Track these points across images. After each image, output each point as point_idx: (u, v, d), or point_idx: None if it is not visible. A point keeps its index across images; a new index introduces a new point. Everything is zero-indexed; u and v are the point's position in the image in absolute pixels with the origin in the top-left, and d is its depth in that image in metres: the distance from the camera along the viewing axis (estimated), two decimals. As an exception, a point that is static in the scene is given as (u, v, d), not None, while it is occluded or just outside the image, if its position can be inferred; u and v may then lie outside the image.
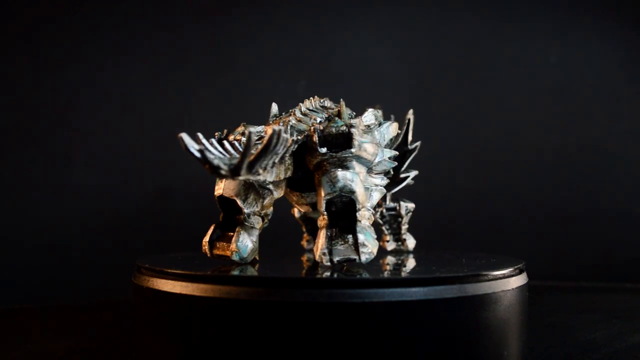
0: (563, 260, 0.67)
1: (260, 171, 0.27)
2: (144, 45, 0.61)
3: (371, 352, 0.26)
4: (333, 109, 0.34)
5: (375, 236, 0.30)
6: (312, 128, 0.30)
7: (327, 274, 0.29)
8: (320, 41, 0.66)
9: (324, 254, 0.29)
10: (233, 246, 0.31)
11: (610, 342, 0.38)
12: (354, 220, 0.29)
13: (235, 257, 0.31)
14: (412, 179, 0.40)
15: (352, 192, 0.29)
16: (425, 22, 0.68)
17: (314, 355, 0.26)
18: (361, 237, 0.29)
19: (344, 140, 0.30)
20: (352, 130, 0.30)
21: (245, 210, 0.31)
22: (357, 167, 0.30)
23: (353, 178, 0.29)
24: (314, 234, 0.43)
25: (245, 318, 0.26)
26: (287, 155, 0.30)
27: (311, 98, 0.34)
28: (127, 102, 0.60)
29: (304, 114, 0.32)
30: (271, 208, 0.32)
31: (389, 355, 0.26)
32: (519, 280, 0.31)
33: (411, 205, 0.42)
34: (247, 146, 0.24)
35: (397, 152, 0.33)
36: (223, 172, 0.24)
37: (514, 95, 0.68)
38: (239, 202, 0.30)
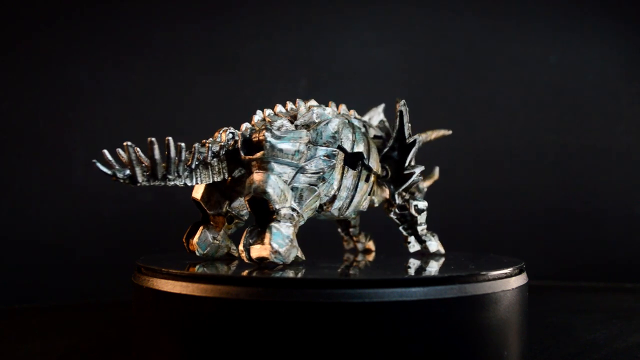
0: (563, 260, 0.67)
1: (171, 177, 0.29)
2: (144, 45, 0.61)
3: (371, 352, 0.26)
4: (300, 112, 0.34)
5: (289, 236, 0.30)
6: (239, 133, 0.32)
7: (327, 274, 0.29)
8: (320, 41, 0.66)
9: (241, 251, 0.31)
10: (193, 242, 0.34)
11: (610, 342, 0.38)
12: (269, 220, 0.30)
13: (197, 253, 0.34)
14: (419, 175, 0.38)
15: (264, 192, 0.30)
16: (425, 22, 0.68)
17: (314, 355, 0.26)
18: (268, 237, 0.30)
19: (262, 143, 0.31)
20: (265, 133, 0.30)
21: (209, 212, 0.34)
22: (278, 167, 0.31)
23: (266, 179, 0.30)
24: (348, 234, 0.44)
25: (245, 318, 0.26)
26: (214, 160, 0.31)
27: (288, 102, 0.34)
28: (127, 101, 0.60)
29: (264, 119, 0.33)
30: (245, 209, 0.34)
31: (389, 355, 0.26)
32: (519, 280, 0.31)
33: (422, 204, 0.39)
34: (129, 158, 0.28)
35: (335, 149, 0.32)
36: (121, 180, 0.28)
37: (514, 95, 0.68)
38: (202, 204, 0.33)
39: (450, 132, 0.43)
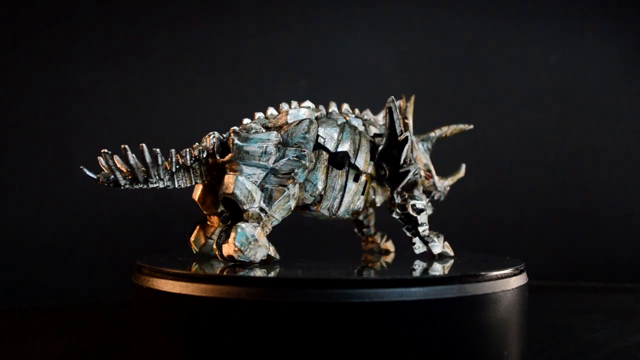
0: (563, 260, 0.67)
1: (152, 180, 0.31)
2: (144, 45, 0.61)
3: (371, 352, 0.26)
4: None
5: (254, 235, 0.31)
6: (217, 137, 0.33)
7: (327, 274, 0.29)
8: (320, 41, 0.66)
9: (215, 249, 0.34)
10: (190, 241, 0.35)
11: (610, 342, 0.38)
12: (237, 220, 0.32)
13: (193, 251, 0.35)
14: (417, 174, 0.37)
15: (231, 194, 0.31)
16: (425, 22, 0.68)
17: (314, 355, 0.26)
18: (232, 236, 0.31)
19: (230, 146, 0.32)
20: (233, 136, 0.32)
21: (205, 212, 0.35)
22: (248, 169, 0.31)
23: (234, 181, 0.31)
24: (363, 235, 0.43)
25: (245, 318, 0.26)
26: (195, 163, 0.32)
27: (281, 104, 0.35)
28: (127, 101, 0.60)
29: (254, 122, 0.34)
30: None
31: (389, 355, 0.26)
32: (519, 280, 0.31)
33: (420, 204, 0.36)
34: (107, 164, 0.30)
35: (305, 151, 0.32)
36: (105, 184, 0.30)
37: (514, 95, 0.68)
38: (199, 205, 0.34)
39: (471, 126, 0.42)
